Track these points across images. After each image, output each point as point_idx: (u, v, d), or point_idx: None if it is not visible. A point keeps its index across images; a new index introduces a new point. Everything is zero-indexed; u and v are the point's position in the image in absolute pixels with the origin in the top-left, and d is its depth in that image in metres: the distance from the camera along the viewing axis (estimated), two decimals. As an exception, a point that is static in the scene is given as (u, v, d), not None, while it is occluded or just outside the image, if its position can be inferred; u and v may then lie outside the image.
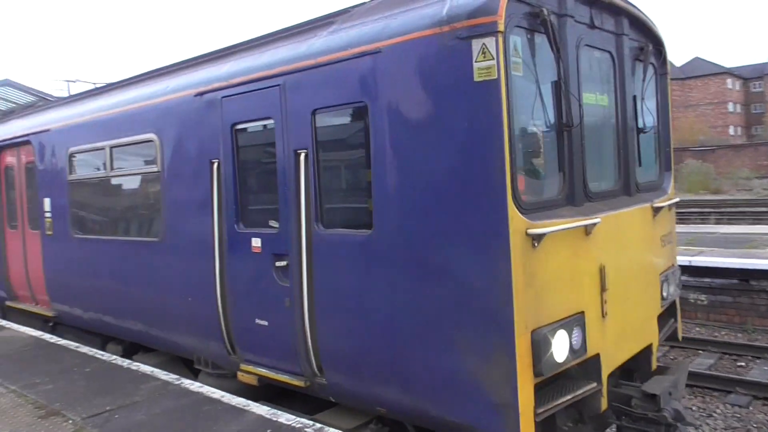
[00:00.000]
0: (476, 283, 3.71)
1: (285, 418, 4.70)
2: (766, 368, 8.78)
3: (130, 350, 7.17)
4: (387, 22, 4.09)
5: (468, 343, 3.79)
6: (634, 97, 5.18)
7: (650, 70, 5.51)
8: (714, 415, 7.30)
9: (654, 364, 5.11)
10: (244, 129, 5.08)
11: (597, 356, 4.22)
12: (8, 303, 9.29)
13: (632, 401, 4.55)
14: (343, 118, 4.40)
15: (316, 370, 4.67)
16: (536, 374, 3.70)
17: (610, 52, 4.86)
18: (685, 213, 26.73)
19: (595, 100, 4.77)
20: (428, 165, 3.86)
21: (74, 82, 38.04)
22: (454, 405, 3.92)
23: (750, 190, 44.27)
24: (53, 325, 8.42)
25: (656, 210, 5.11)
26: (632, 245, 4.75)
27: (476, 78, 3.58)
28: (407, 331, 4.05)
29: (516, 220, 3.58)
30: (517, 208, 3.62)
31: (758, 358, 9.25)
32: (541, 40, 3.97)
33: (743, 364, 9.15)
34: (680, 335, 5.91)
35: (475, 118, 3.62)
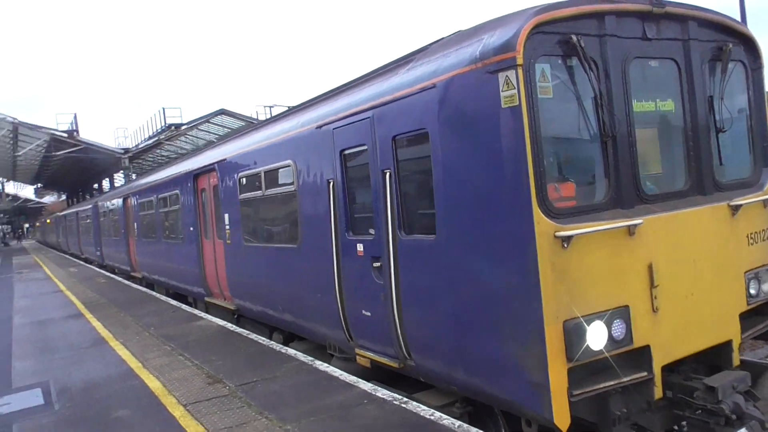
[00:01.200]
0: (513, 280, 4.33)
1: (381, 392, 5.68)
2: None
3: (289, 338, 8.68)
4: (441, 61, 4.88)
5: (510, 331, 4.41)
6: (711, 98, 5.28)
7: (736, 68, 5.52)
8: None
9: (736, 361, 5.13)
10: (349, 154, 6.17)
11: (647, 347, 4.54)
12: (206, 299, 11.52)
13: (695, 393, 4.74)
14: (414, 143, 5.25)
15: (406, 354, 5.56)
16: (569, 359, 4.20)
17: (673, 59, 5.08)
18: None
19: (655, 107, 5.03)
20: (472, 179, 4.57)
21: (272, 107, 43.25)
22: (502, 384, 4.56)
23: None
24: (237, 317, 10.34)
25: (735, 208, 5.15)
26: (698, 243, 4.89)
27: (503, 105, 4.23)
28: (465, 322, 4.77)
29: (542, 223, 4.14)
30: (544, 213, 4.17)
31: None
32: (578, 62, 4.46)
33: None
34: (785, 335, 5.73)
35: (504, 138, 4.26)
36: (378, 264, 5.72)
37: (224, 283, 10.27)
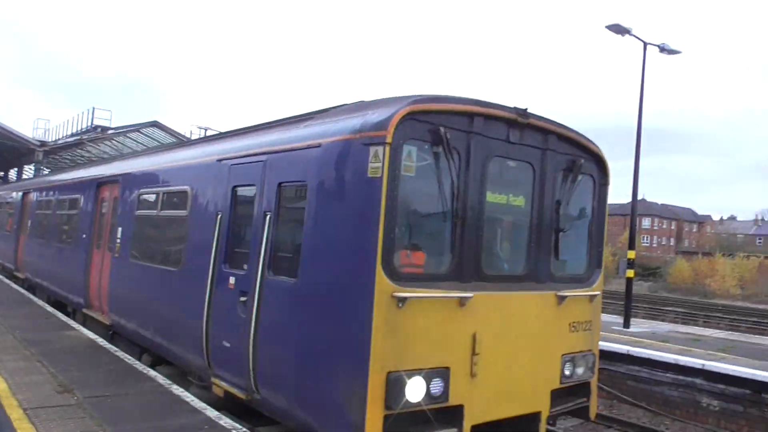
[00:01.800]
0: (350, 329, 4.82)
1: (225, 421, 5.93)
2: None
3: (157, 362, 8.72)
4: (330, 125, 5.47)
5: (341, 375, 4.88)
6: (558, 202, 6.12)
7: (585, 180, 6.42)
8: None
9: (542, 430, 5.79)
10: (240, 191, 6.58)
11: (461, 407, 5.10)
12: (84, 310, 11.32)
13: (502, 455, 5.33)
14: (294, 192, 5.75)
15: (254, 387, 5.87)
16: (387, 407, 4.69)
17: (530, 163, 5.89)
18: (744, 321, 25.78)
19: (506, 200, 5.79)
20: (334, 233, 5.10)
21: (206, 129, 42.95)
22: (329, 423, 4.98)
23: None
24: (112, 333, 10.23)
25: (561, 298, 5.92)
26: (523, 323, 5.59)
27: (369, 174, 4.82)
28: (306, 362, 5.20)
29: (382, 283, 4.68)
30: (386, 274, 4.72)
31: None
32: (442, 150, 5.14)
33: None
34: (592, 414, 6.49)
35: (363, 203, 4.84)
36: (244, 298, 6.08)
37: (104, 297, 10.21)
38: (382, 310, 4.68)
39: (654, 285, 51.60)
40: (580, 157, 6.25)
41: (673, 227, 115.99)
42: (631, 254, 16.24)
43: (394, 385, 4.71)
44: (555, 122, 6.07)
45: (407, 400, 4.77)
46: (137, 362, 8.26)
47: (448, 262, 5.28)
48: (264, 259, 5.86)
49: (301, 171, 5.57)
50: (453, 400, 5.06)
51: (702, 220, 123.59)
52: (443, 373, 4.99)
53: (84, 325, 11.16)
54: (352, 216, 4.96)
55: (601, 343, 13.31)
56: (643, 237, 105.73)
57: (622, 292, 43.54)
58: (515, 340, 5.53)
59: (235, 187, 6.63)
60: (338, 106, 6.07)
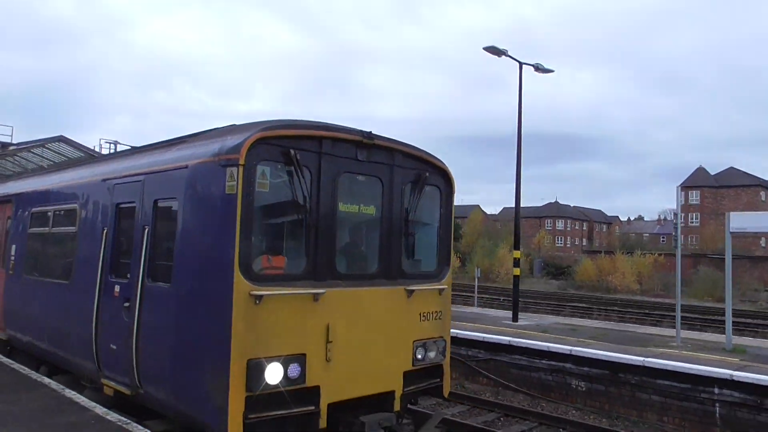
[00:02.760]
0: (214, 324, 5.59)
1: (112, 416, 6.53)
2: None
3: (55, 372, 9.09)
4: (197, 149, 6.24)
5: (208, 365, 5.63)
6: (406, 210, 7.12)
7: (432, 190, 7.47)
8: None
9: (397, 406, 6.72)
10: (123, 208, 7.21)
11: (317, 387, 5.96)
12: (-19, 327, 11.41)
13: (354, 427, 6.22)
14: (167, 208, 6.47)
15: (138, 383, 6.52)
16: (249, 390, 5.47)
17: (379, 177, 6.85)
18: (657, 316, 28.02)
19: (358, 210, 6.73)
20: (200, 243, 5.86)
21: (115, 143, 42.05)
22: (200, 409, 5.72)
23: (755, 302, 44.53)
24: (9, 348, 10.44)
25: (409, 292, 6.90)
26: (374, 314, 6.51)
27: (226, 191, 5.61)
28: (179, 356, 5.92)
29: (240, 284, 5.48)
30: (244, 276, 5.52)
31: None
32: (294, 169, 5.99)
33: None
34: (445, 392, 7.52)
35: (224, 217, 5.62)
36: (128, 304, 6.72)
37: (0, 314, 10.42)
38: (241, 307, 5.47)
39: (563, 283, 54.59)
40: (426, 171, 7.28)
41: (584, 228, 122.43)
42: (517, 254, 17.75)
43: (254, 370, 5.50)
44: (400, 142, 7.08)
45: (267, 383, 5.57)
46: (32, 372, 8.63)
47: (305, 264, 6.14)
48: (144, 268, 6.53)
49: (172, 189, 6.30)
50: (310, 382, 5.90)
51: (611, 221, 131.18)
52: (300, 358, 5.83)
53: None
54: (214, 228, 5.73)
55: (487, 335, 14.71)
56: (557, 238, 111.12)
57: (528, 291, 45.71)
58: (367, 329, 6.45)
59: (118, 204, 7.25)
60: (208, 131, 6.83)
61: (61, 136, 41.41)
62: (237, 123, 6.67)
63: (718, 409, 11.24)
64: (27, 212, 9.72)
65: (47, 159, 42.43)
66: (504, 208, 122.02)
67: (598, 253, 58.06)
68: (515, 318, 17.44)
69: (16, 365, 9.06)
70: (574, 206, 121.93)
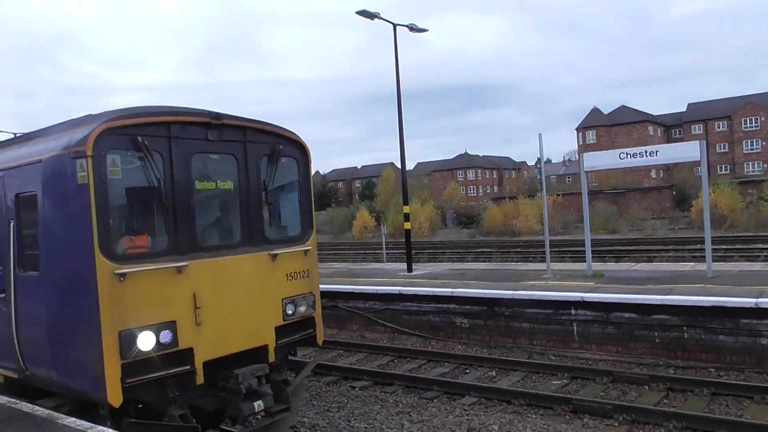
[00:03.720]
0: (84, 303, 6.15)
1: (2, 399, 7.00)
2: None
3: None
4: (49, 143, 6.65)
5: (82, 340, 6.22)
6: (264, 182, 7.81)
7: (289, 161, 8.18)
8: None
9: (272, 358, 7.55)
10: (-13, 205, 7.49)
11: (191, 349, 6.68)
12: None
13: (229, 380, 7.02)
14: (29, 201, 6.84)
15: (24, 366, 7.00)
16: (123, 357, 6.12)
17: (233, 154, 7.49)
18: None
19: (215, 186, 7.37)
20: (61, 231, 6.36)
21: (-1, 132, 39.76)
22: (80, 380, 6.32)
23: (642, 230, 48.55)
24: None
25: (273, 256, 7.66)
26: (240, 278, 7.23)
27: (79, 182, 6.11)
28: (56, 336, 6.47)
29: (102, 264, 6.04)
30: (106, 256, 6.07)
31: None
32: (144, 154, 6.52)
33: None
34: (319, 341, 8.43)
35: (79, 204, 6.13)
36: (3, 294, 7.12)
37: None
38: (106, 285, 6.06)
39: (473, 231, 57.18)
40: (279, 144, 7.97)
41: (495, 176, 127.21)
42: (406, 209, 18.90)
43: (126, 340, 6.14)
44: (251, 120, 7.72)
45: (140, 350, 6.23)
46: None
47: (167, 241, 6.76)
48: (14, 259, 6.94)
49: (30, 183, 6.70)
50: (182, 345, 6.60)
51: (519, 167, 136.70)
52: (170, 325, 6.50)
53: None
54: (72, 216, 6.23)
55: (381, 288, 15.77)
56: (470, 188, 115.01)
57: (440, 242, 47.47)
58: (234, 293, 7.17)
59: (-24, 205, 7.52)
60: (59, 124, 7.19)
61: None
62: (109, 108, 7.07)
63: (575, 327, 12.92)
64: None
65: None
66: (418, 163, 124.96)
67: (503, 199, 60.98)
68: (410, 269, 18.69)
69: None
70: (483, 155, 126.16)
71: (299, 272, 8.10)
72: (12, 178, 7.00)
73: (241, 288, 7.27)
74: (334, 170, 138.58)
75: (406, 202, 19.03)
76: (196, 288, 6.77)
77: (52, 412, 6.38)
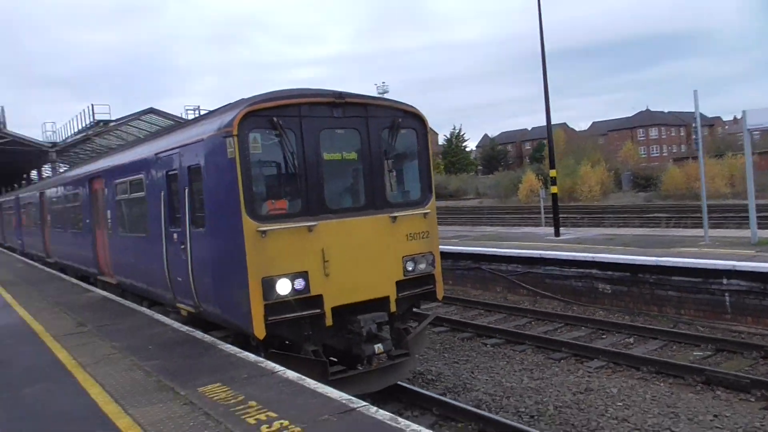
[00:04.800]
0: (236, 255, 7.60)
1: (183, 328, 8.87)
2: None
3: (153, 304, 11.72)
4: (209, 125, 8.16)
5: (235, 284, 7.70)
6: (386, 151, 8.72)
7: (409, 132, 8.99)
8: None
9: (393, 308, 8.54)
10: (170, 175, 9.35)
11: (320, 296, 7.89)
12: (98, 277, 14.43)
13: (354, 324, 8.15)
14: (196, 172, 8.45)
15: (198, 303, 8.78)
16: (266, 299, 7.49)
17: (356, 129, 8.48)
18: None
19: (341, 157, 8.43)
20: (219, 196, 7.85)
21: (197, 108, 45.77)
22: (235, 314, 7.85)
23: None
24: (122, 290, 13.28)
25: (393, 218, 8.57)
26: (363, 237, 8.26)
27: (228, 156, 7.51)
28: (218, 280, 8.05)
29: (248, 223, 7.42)
30: (250, 217, 7.44)
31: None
32: (280, 131, 7.75)
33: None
34: (439, 296, 9.24)
35: (230, 175, 7.53)
36: (183, 246, 8.93)
37: (109, 264, 13.25)
38: (251, 240, 7.44)
39: (651, 195, 53.41)
40: (399, 117, 8.79)
41: (682, 134, 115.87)
42: (553, 173, 18.68)
43: (267, 285, 7.50)
44: (371, 96, 8.67)
45: (279, 294, 7.57)
46: (134, 305, 11.29)
47: (300, 204, 8.00)
48: (188, 218, 8.67)
49: (197, 157, 8.30)
50: (314, 292, 7.84)
51: (712, 123, 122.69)
52: (303, 275, 7.75)
53: (104, 288, 14.28)
54: (225, 184, 7.68)
55: (523, 251, 16.10)
56: (652, 147, 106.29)
57: (611, 206, 45.23)
58: (357, 249, 8.23)
59: (167, 172, 9.40)
60: (217, 109, 8.73)
61: (151, 108, 45.68)
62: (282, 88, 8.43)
63: (727, 297, 12.21)
64: (113, 184, 12.24)
65: (143, 129, 47.02)
66: (593, 123, 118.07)
67: (686, 159, 55.88)
68: (557, 233, 18.61)
69: (124, 301, 11.79)
70: (668, 111, 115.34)
71: (418, 233, 8.94)
72: (185, 154, 8.70)
73: (364, 245, 8.31)
74: (503, 132, 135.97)
75: (552, 166, 18.84)
76: (324, 244, 7.94)
77: (216, 340, 8.03)
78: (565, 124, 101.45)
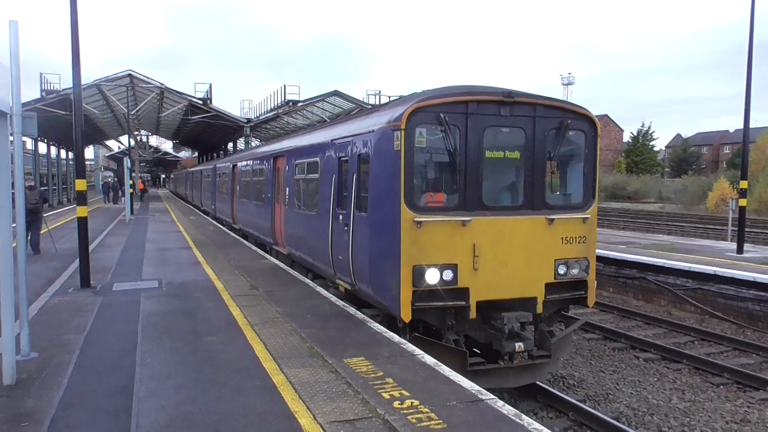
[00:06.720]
0: (392, 240, 8.08)
1: (338, 302, 9.62)
2: None
3: (316, 277, 12.80)
4: (378, 118, 8.67)
5: (389, 269, 8.19)
6: (549, 153, 8.63)
7: (577, 134, 8.80)
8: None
9: (539, 309, 8.49)
10: (342, 160, 10.09)
11: (467, 289, 8.12)
12: (273, 246, 15.98)
13: (497, 320, 8.27)
14: (364, 160, 9.03)
15: (354, 281, 9.45)
16: (414, 286, 7.90)
17: (522, 128, 8.49)
18: None
19: (504, 155, 8.50)
20: (382, 184, 8.35)
21: (378, 93, 47.85)
22: (385, 296, 8.36)
23: None
24: (291, 261, 14.63)
25: (550, 220, 8.49)
26: (516, 236, 8.30)
27: (395, 148, 7.96)
28: (373, 262, 8.61)
29: (406, 213, 7.84)
30: (408, 207, 7.86)
31: None
32: (445, 127, 8.05)
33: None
34: (590, 303, 8.97)
35: (394, 165, 7.99)
36: (347, 228, 9.65)
37: (283, 236, 14.63)
38: (407, 229, 7.87)
39: None
40: (568, 119, 8.63)
41: None
42: (744, 184, 16.78)
43: (417, 273, 7.90)
44: (540, 96, 8.55)
45: (427, 283, 7.93)
46: (299, 275, 12.42)
47: (457, 199, 8.25)
48: (354, 202, 9.34)
49: (366, 146, 8.89)
50: (461, 284, 8.09)
51: None
52: (452, 267, 8.03)
53: (276, 257, 15.82)
54: (389, 174, 8.16)
55: (693, 265, 14.94)
56: None
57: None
58: (509, 248, 8.31)
59: (340, 157, 10.17)
60: (387, 103, 9.20)
61: (336, 90, 48.64)
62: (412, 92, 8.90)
63: None
64: (293, 163, 13.46)
65: (327, 111, 50.22)
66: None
67: None
68: (740, 250, 16.81)
69: (291, 271, 13.01)
70: None
71: (575, 237, 8.76)
72: (356, 142, 9.36)
73: (515, 244, 8.36)
74: (699, 133, 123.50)
75: (744, 176, 16.94)
76: (476, 239, 8.13)
77: (366, 317, 8.63)
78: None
